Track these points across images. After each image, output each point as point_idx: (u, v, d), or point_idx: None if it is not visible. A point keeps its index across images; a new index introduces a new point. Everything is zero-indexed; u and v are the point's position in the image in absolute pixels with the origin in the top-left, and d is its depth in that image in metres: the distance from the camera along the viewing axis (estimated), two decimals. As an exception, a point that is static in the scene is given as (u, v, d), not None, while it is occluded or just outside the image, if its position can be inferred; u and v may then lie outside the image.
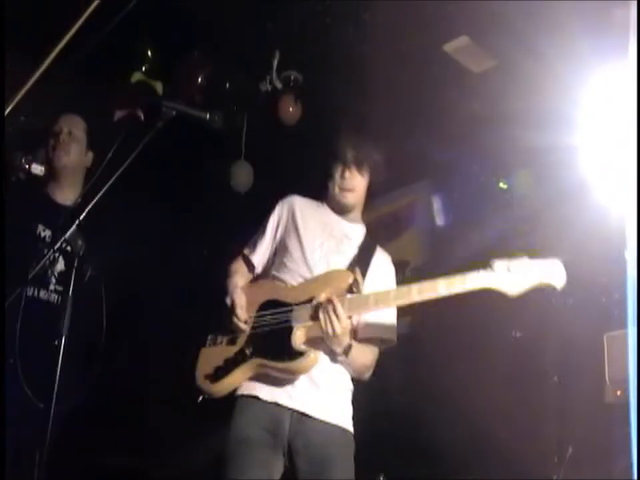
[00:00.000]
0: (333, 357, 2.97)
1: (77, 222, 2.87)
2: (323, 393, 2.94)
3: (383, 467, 4.22)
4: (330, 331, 2.82)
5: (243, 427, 2.91)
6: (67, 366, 2.75)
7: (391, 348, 4.84)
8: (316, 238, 3.13)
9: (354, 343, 2.94)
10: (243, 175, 4.99)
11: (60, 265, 3.66)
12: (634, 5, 3.23)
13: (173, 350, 4.81)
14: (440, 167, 5.01)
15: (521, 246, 4.35)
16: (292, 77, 5.04)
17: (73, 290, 2.83)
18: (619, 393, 3.45)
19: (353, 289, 2.97)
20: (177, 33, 4.81)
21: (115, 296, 3.68)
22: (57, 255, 3.58)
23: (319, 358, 2.90)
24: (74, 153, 3.84)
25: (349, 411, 3.05)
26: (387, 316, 3.12)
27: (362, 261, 3.12)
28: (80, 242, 2.93)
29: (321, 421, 2.91)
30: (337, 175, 3.17)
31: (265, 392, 2.93)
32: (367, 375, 3.10)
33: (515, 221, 4.46)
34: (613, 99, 3.62)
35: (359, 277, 3.00)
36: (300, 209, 3.22)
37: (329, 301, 2.85)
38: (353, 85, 4.77)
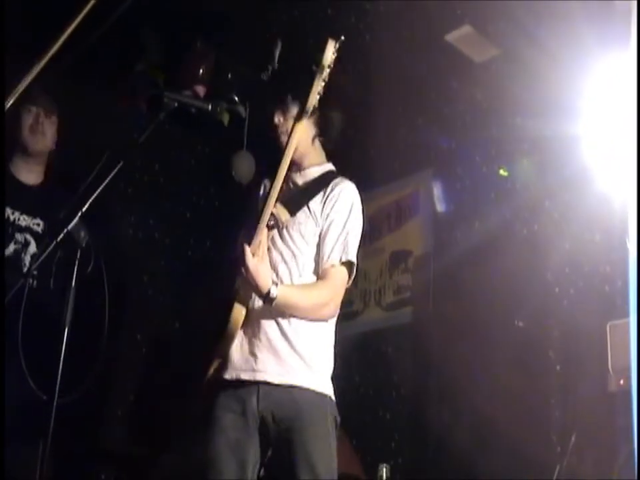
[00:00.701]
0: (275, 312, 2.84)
1: (79, 213, 2.87)
2: (283, 355, 2.82)
3: (386, 457, 4.23)
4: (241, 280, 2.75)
5: (214, 412, 2.83)
6: (70, 358, 2.75)
7: (393, 337, 4.91)
8: None
9: (279, 286, 2.76)
10: (244, 166, 4.97)
11: (32, 248, 3.64)
12: (634, 5, 3.22)
13: (179, 341, 4.85)
14: (442, 155, 5.00)
15: (523, 234, 4.37)
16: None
17: (75, 281, 2.83)
18: (622, 381, 3.44)
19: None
20: (180, 23, 4.80)
21: (118, 287, 3.71)
22: (26, 236, 3.58)
23: (242, 312, 2.79)
24: (50, 137, 3.80)
25: (320, 369, 2.88)
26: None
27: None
28: (83, 233, 2.93)
29: (286, 387, 2.79)
30: None
31: (230, 371, 2.84)
32: (324, 313, 2.90)
33: (517, 209, 4.45)
34: (615, 87, 3.61)
35: (279, 212, 2.91)
36: None
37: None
38: (355, 74, 4.76)
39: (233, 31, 4.84)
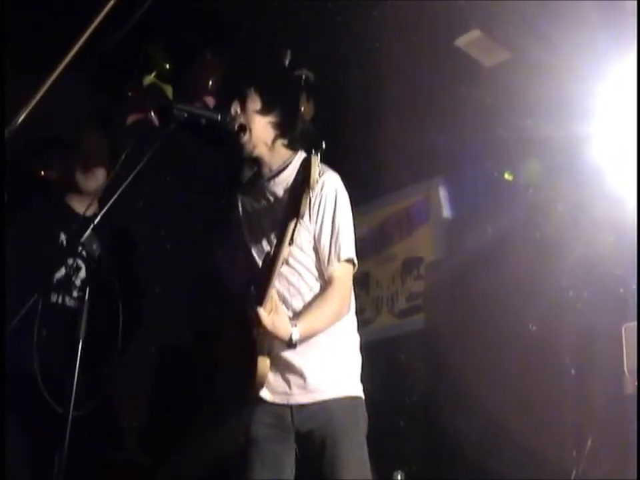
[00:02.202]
0: None
1: (91, 226, 2.89)
2: (310, 378, 2.87)
3: (400, 464, 4.21)
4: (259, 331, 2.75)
5: (251, 426, 2.89)
6: (84, 371, 2.76)
7: (405, 344, 4.88)
8: None
9: (298, 325, 2.76)
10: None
11: (82, 273, 3.67)
12: (634, 5, 3.21)
13: (191, 352, 4.85)
14: (452, 161, 4.99)
15: (536, 238, 4.34)
16: (303, 76, 5.03)
17: (89, 295, 2.85)
18: (637, 383, 3.42)
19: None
20: (188, 34, 4.81)
21: (131, 297, 3.72)
22: (78, 261, 3.61)
23: (267, 363, 2.81)
24: (102, 178, 3.89)
25: (347, 374, 2.94)
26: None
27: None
28: (95, 246, 2.95)
29: (315, 403, 2.85)
30: None
31: (266, 393, 2.90)
32: (341, 317, 2.91)
33: (529, 213, 4.43)
34: (626, 89, 3.61)
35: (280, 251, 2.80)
36: None
37: None
38: (364, 82, 4.76)
39: (242, 41, 4.84)
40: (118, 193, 2.92)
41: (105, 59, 4.47)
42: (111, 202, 2.90)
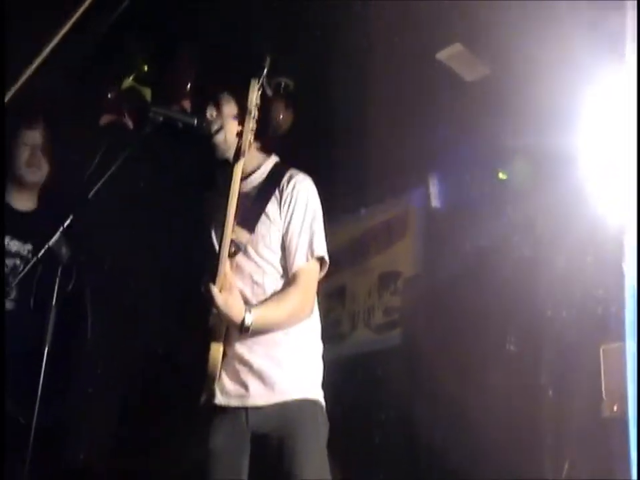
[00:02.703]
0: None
1: (61, 229, 2.83)
2: (267, 376, 2.81)
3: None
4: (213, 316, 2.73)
5: (208, 437, 2.83)
6: (50, 377, 2.70)
7: (381, 359, 4.84)
8: None
9: (252, 311, 2.73)
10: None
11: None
12: (634, 5, 3.19)
13: (165, 357, 4.78)
14: (432, 175, 4.96)
15: (515, 255, 4.31)
16: (282, 84, 5.00)
17: (56, 300, 2.79)
18: (615, 407, 3.39)
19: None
20: (168, 37, 4.77)
21: (103, 303, 3.65)
22: (17, 262, 3.57)
23: (219, 350, 2.76)
24: (45, 170, 3.86)
25: (306, 377, 2.88)
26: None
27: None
28: (64, 250, 2.88)
29: (273, 405, 2.79)
30: None
31: (221, 399, 2.83)
32: (302, 317, 2.87)
33: (509, 231, 4.40)
34: (610, 102, 3.58)
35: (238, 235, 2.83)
36: None
37: None
38: (345, 94, 4.73)
39: (221, 47, 4.79)
40: (91, 193, 2.87)
41: (84, 61, 4.43)
42: (83, 204, 2.84)
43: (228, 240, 2.74)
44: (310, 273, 2.87)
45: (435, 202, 4.91)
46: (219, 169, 3.08)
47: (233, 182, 2.74)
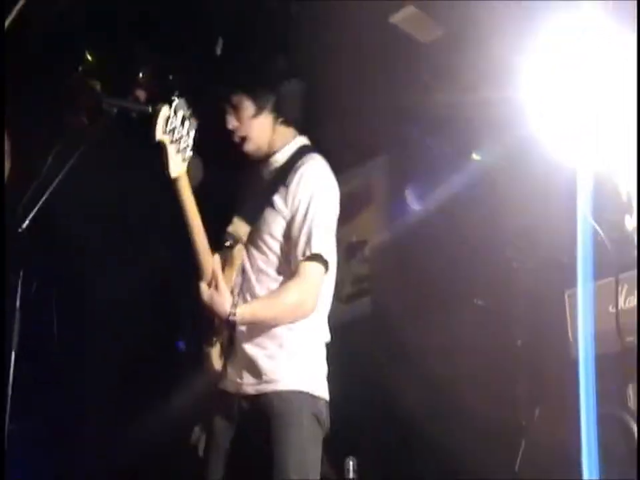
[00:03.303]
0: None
1: (19, 229, 2.81)
2: (261, 368, 2.81)
3: (353, 450, 4.19)
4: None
5: (207, 416, 2.88)
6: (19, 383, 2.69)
7: (355, 327, 4.87)
8: None
9: (241, 307, 2.73)
10: (192, 169, 4.90)
11: None
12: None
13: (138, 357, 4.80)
14: (392, 141, 4.97)
15: (478, 211, 4.35)
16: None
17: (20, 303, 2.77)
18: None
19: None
20: (117, 27, 4.73)
21: (69, 305, 3.62)
22: None
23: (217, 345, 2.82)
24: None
25: (298, 368, 2.84)
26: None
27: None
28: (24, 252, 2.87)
29: (262, 395, 2.79)
30: None
31: (223, 382, 2.87)
32: (300, 313, 2.81)
33: (472, 188, 4.43)
34: (564, 55, 3.61)
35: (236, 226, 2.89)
36: None
37: None
38: (300, 63, 4.72)
39: (174, 33, 4.77)
40: (46, 194, 2.85)
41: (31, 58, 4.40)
42: (39, 204, 2.82)
43: (200, 237, 2.73)
44: (312, 270, 2.78)
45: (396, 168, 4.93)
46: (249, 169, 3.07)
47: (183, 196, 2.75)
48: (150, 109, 2.92)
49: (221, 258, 2.79)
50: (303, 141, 3.02)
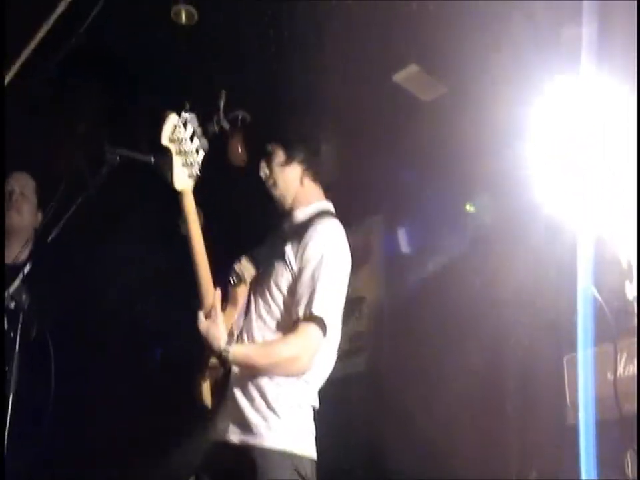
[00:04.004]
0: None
1: (21, 276, 2.81)
2: (246, 416, 2.78)
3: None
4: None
5: (199, 464, 2.86)
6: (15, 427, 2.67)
7: (350, 385, 4.84)
8: None
9: (235, 346, 2.74)
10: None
11: None
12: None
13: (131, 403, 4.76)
14: (392, 199, 5.00)
15: (476, 272, 4.35)
16: (240, 117, 5.02)
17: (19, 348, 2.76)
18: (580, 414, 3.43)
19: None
20: (121, 78, 4.79)
21: (66, 350, 3.59)
22: None
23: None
24: (26, 213, 3.82)
25: (283, 427, 2.77)
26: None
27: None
28: (24, 296, 2.87)
29: (247, 447, 2.75)
30: None
31: (213, 430, 2.85)
32: (293, 369, 2.79)
33: (470, 248, 4.44)
34: (567, 115, 3.65)
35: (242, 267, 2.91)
36: None
37: None
38: (302, 119, 4.76)
39: (176, 83, 4.82)
40: (49, 239, 2.87)
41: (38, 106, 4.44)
42: (41, 249, 2.84)
43: (202, 262, 2.75)
44: (309, 331, 2.75)
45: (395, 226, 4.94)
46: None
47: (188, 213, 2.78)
48: (152, 159, 2.97)
49: (223, 294, 2.80)
50: (326, 205, 3.07)
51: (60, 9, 2.96)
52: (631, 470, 3.17)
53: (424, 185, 4.78)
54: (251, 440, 2.75)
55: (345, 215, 5.05)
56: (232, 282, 2.90)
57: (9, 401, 2.71)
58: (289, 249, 2.87)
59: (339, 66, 4.47)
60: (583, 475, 2.96)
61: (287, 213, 3.04)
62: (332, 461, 4.46)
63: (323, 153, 3.10)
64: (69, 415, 4.22)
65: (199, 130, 2.79)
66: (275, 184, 3.02)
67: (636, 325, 3.27)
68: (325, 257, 2.82)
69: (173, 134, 2.75)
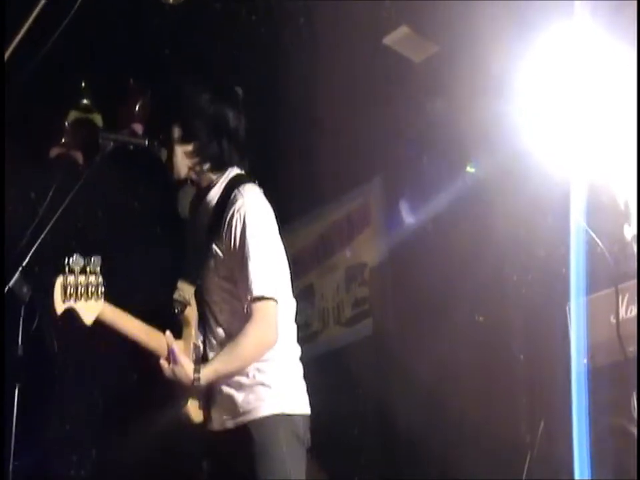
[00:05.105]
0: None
1: (20, 268, 2.82)
2: (236, 401, 2.80)
3: (357, 473, 4.19)
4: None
5: (202, 458, 2.93)
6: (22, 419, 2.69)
7: (356, 351, 4.87)
8: None
9: (202, 371, 2.72)
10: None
11: None
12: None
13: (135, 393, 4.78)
14: (389, 161, 4.99)
15: (476, 228, 4.35)
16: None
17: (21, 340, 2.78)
18: (585, 360, 3.44)
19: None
20: (113, 62, 4.77)
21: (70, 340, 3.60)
22: None
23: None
24: None
25: (270, 392, 2.79)
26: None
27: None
28: (25, 289, 2.87)
29: (238, 427, 2.78)
30: None
31: (209, 422, 2.87)
32: (263, 350, 2.77)
33: (469, 205, 4.43)
34: (559, 67, 3.64)
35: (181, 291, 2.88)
36: None
37: None
38: (295, 88, 4.76)
39: (169, 66, 4.81)
40: (46, 230, 2.87)
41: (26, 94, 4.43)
42: (39, 241, 2.84)
43: (144, 337, 2.74)
44: (260, 309, 2.74)
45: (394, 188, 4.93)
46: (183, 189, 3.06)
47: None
48: (146, 142, 2.97)
49: (175, 324, 2.80)
50: (233, 172, 2.94)
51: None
52: (637, 412, 3.19)
53: (420, 147, 4.75)
54: (244, 418, 2.78)
55: (341, 180, 5.10)
56: (177, 312, 2.86)
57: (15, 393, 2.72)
58: (214, 247, 2.83)
59: (329, 33, 4.46)
60: (576, 421, 2.97)
61: (200, 200, 2.95)
62: (344, 425, 4.54)
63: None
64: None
65: (90, 262, 2.66)
66: (172, 162, 2.92)
67: (636, 267, 3.28)
68: (247, 234, 2.77)
69: (64, 294, 2.63)
